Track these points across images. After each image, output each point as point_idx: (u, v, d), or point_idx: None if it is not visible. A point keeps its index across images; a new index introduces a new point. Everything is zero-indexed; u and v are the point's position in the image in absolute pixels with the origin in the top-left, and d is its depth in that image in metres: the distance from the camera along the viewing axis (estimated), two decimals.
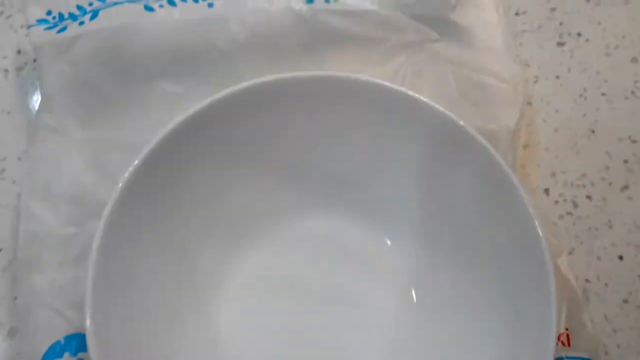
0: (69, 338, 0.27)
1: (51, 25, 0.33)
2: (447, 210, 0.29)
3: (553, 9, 0.41)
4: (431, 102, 0.28)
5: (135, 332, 0.26)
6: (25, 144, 0.33)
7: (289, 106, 0.29)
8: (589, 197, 0.35)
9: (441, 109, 0.27)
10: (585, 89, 0.39)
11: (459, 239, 0.28)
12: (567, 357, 0.27)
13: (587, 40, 0.40)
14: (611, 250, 0.34)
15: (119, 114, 0.32)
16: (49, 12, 0.33)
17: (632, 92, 0.39)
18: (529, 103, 0.38)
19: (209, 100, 0.27)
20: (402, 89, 0.28)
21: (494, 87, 0.34)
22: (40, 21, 0.33)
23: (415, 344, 0.28)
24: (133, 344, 0.26)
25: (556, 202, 0.35)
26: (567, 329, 0.27)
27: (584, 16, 0.41)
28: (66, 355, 0.27)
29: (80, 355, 0.27)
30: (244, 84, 0.28)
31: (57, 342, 0.27)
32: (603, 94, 0.39)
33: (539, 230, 0.25)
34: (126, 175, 0.26)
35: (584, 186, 0.36)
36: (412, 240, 0.30)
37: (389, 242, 0.31)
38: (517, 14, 0.41)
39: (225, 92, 0.27)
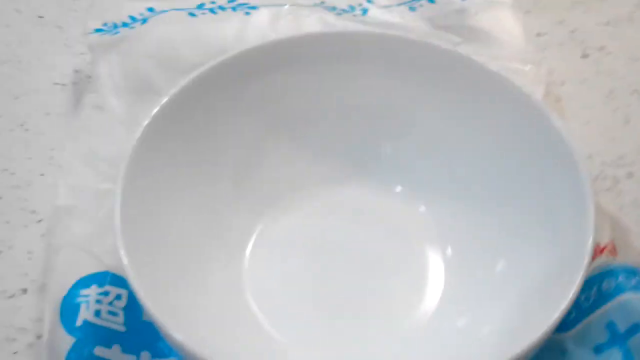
0: (98, 274, 0.27)
1: (106, 31, 0.36)
2: (482, 161, 0.29)
3: (573, 31, 0.43)
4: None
5: (164, 274, 0.26)
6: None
7: (325, 67, 0.30)
8: (630, 174, 0.34)
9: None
10: (613, 90, 0.39)
11: (497, 190, 0.28)
12: (614, 266, 0.25)
13: (610, 53, 0.42)
14: None
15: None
16: (105, 24, 0.37)
17: None
18: (558, 101, 0.39)
19: (241, 49, 0.28)
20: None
21: (518, 70, 0.35)
22: (97, 30, 0.37)
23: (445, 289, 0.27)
24: (163, 280, 0.25)
25: (595, 179, 0.34)
26: (612, 241, 0.26)
27: (605, 34, 0.43)
28: (94, 286, 0.26)
29: (107, 287, 0.26)
30: (281, 37, 0.29)
31: (86, 276, 0.27)
32: (634, 91, 0.39)
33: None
34: (152, 113, 0.26)
35: (623, 165, 0.35)
36: (444, 203, 0.30)
37: (423, 209, 0.31)
38: (538, 34, 0.43)
39: (257, 44, 0.29)
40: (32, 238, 0.31)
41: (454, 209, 0.29)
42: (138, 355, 0.25)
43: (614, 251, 0.25)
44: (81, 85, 0.39)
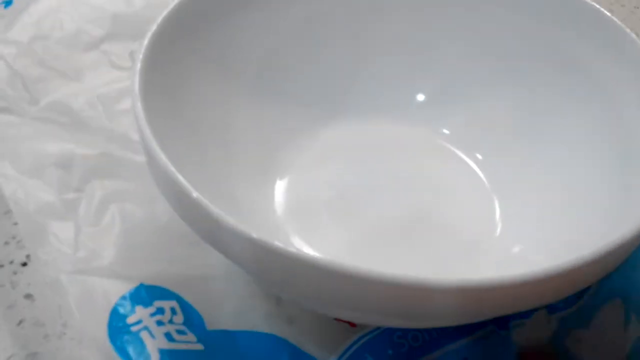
0: (131, 293, 0.19)
1: None
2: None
3: None
4: None
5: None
6: None
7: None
8: None
9: None
10: None
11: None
12: None
13: None
14: None
15: (67, 81, 0.26)
16: None
17: None
18: None
19: None
20: None
21: None
22: None
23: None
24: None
25: None
26: None
27: None
28: (139, 308, 0.19)
29: (156, 303, 0.19)
30: None
31: (120, 300, 0.19)
32: None
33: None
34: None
35: None
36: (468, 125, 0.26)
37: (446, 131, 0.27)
38: None
39: None
40: None
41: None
42: None
43: None
44: None
